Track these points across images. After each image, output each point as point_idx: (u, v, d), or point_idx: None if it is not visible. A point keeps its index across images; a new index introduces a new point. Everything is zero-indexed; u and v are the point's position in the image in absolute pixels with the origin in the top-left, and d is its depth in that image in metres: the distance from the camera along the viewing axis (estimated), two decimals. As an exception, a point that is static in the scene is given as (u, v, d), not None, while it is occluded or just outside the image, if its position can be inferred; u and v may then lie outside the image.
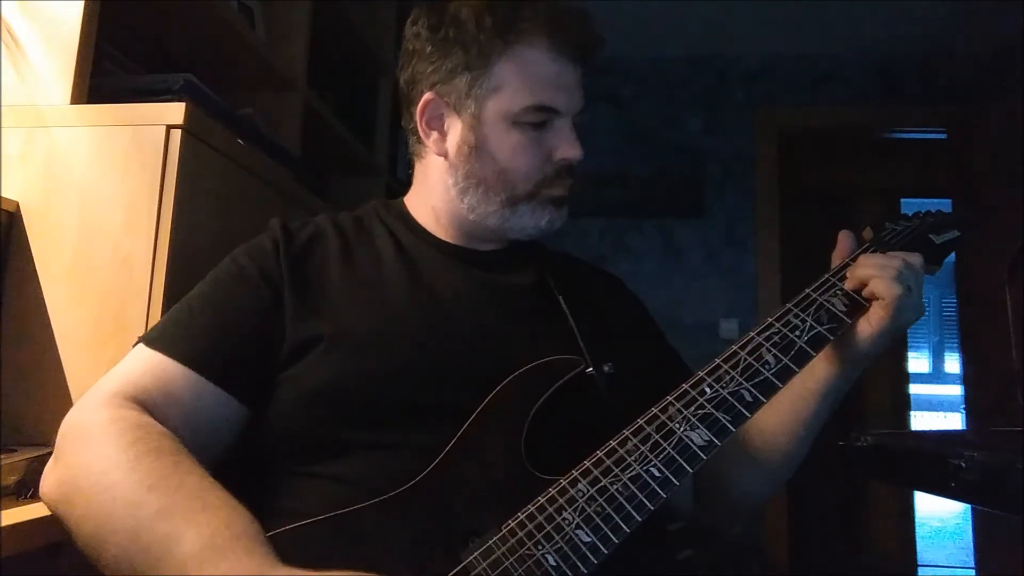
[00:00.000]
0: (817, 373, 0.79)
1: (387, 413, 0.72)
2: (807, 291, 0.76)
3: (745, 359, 0.71)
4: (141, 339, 0.74)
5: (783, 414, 0.81)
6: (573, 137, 0.83)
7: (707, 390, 0.69)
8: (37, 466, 0.76)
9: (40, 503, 0.70)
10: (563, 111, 0.82)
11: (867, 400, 3.52)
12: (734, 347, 0.72)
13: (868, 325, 0.75)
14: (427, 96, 0.84)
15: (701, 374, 0.71)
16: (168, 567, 0.55)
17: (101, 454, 0.63)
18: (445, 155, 0.85)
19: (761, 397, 0.68)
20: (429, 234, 0.88)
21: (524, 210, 0.83)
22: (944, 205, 2.93)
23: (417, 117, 0.86)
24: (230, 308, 0.76)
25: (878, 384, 3.58)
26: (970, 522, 3.17)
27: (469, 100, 0.82)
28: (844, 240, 0.83)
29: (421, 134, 0.86)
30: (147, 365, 0.72)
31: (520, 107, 0.80)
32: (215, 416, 0.72)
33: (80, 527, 0.61)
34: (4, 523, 0.63)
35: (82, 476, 0.62)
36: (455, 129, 0.84)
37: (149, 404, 0.68)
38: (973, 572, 3.32)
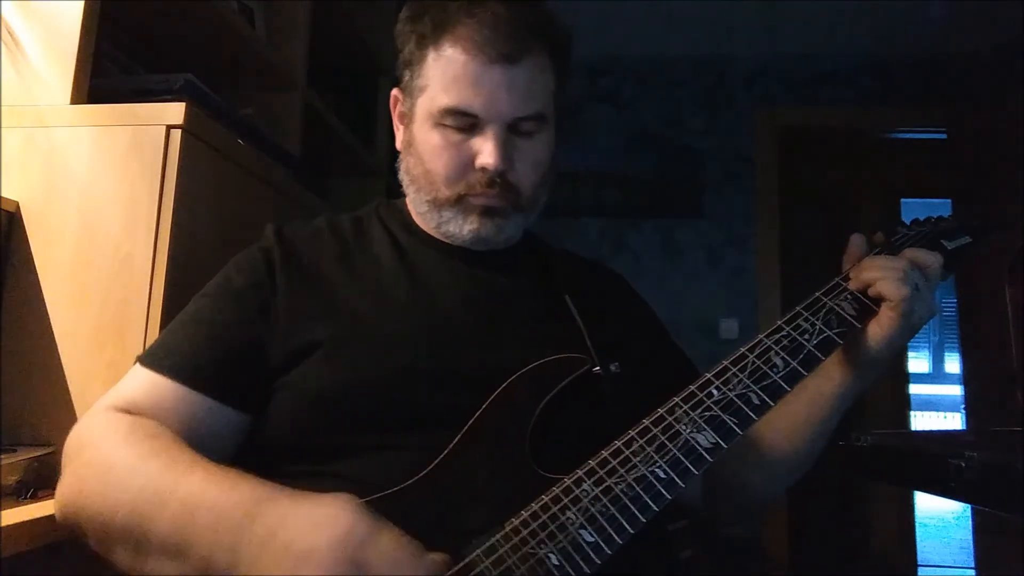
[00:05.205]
0: (833, 377, 0.78)
1: (389, 416, 0.72)
2: (817, 294, 0.76)
3: (753, 362, 0.70)
4: (138, 358, 0.76)
5: (797, 417, 0.80)
6: (491, 145, 0.77)
7: (714, 392, 0.68)
8: (37, 466, 0.76)
9: (40, 503, 0.71)
10: (482, 116, 0.77)
11: (867, 400, 3.52)
12: (742, 349, 0.72)
13: (879, 328, 0.73)
14: (393, 92, 0.87)
15: (709, 376, 0.70)
16: (175, 502, 0.59)
17: (100, 448, 0.66)
18: (400, 151, 0.87)
19: (768, 400, 0.68)
20: (428, 235, 0.87)
21: (449, 215, 0.82)
22: (944, 205, 2.95)
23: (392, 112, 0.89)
24: (219, 322, 0.76)
25: (878, 384, 3.56)
26: (970, 522, 3.16)
27: (408, 98, 0.83)
28: (855, 243, 0.81)
29: (394, 130, 0.89)
30: (140, 382, 0.73)
31: (437, 108, 0.78)
32: (211, 426, 0.73)
33: (90, 510, 0.63)
34: (4, 523, 0.64)
35: (86, 471, 0.66)
36: (404, 126, 0.86)
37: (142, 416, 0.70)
38: (973, 572, 3.32)
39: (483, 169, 0.78)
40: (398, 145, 0.87)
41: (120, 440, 0.66)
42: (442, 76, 0.78)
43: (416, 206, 0.86)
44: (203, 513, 0.58)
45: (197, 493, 0.59)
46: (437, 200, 0.82)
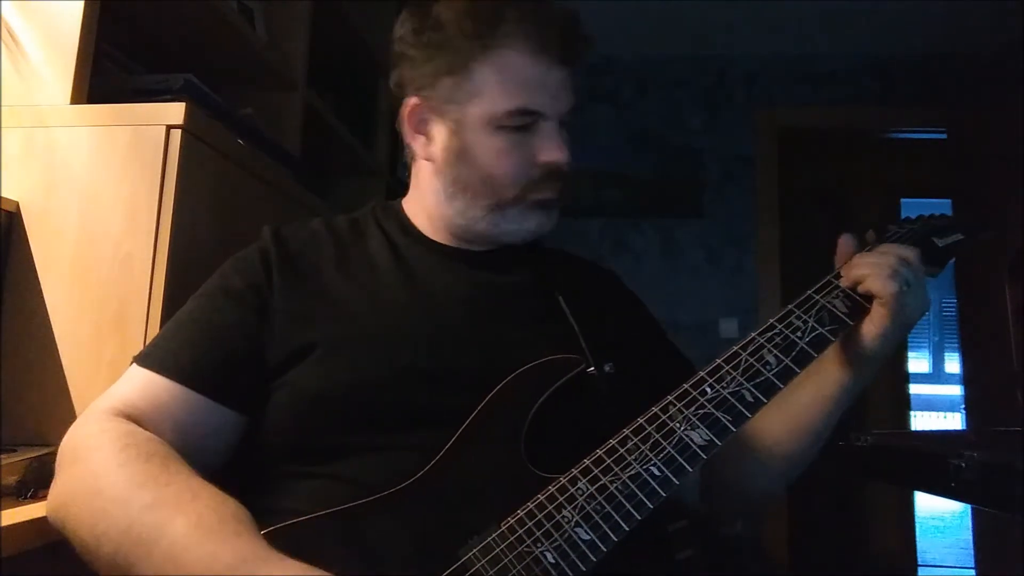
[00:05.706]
0: (831, 376, 0.79)
1: (386, 417, 0.72)
2: (809, 292, 0.76)
3: (746, 360, 0.71)
4: (135, 358, 0.75)
5: (798, 416, 0.81)
6: (558, 140, 0.80)
7: (708, 390, 0.69)
8: (37, 466, 0.76)
9: (40, 503, 0.71)
10: (547, 113, 0.80)
11: (867, 400, 3.52)
12: (735, 348, 0.72)
13: (872, 325, 0.74)
14: (413, 101, 0.85)
15: (702, 374, 0.71)
16: (159, 553, 0.56)
17: (92, 461, 0.64)
18: (432, 160, 0.85)
19: (762, 397, 0.68)
20: (425, 236, 0.88)
21: (511, 215, 0.82)
22: (944, 205, 2.95)
23: (404, 121, 0.86)
24: (216, 322, 0.76)
25: (878, 384, 3.57)
26: (970, 522, 3.16)
27: (452, 105, 0.81)
28: (844, 244, 0.82)
29: (408, 138, 0.87)
30: (137, 382, 0.73)
31: (502, 111, 0.79)
32: (207, 425, 0.73)
33: (77, 533, 0.62)
34: (4, 523, 0.63)
35: (76, 486, 0.64)
36: (440, 134, 0.83)
37: (139, 418, 0.70)
38: (973, 572, 3.32)
39: (547, 164, 0.81)
40: (423, 155, 0.85)
41: (111, 459, 0.63)
42: (503, 80, 0.79)
43: (465, 212, 0.83)
44: (186, 570, 0.56)
45: (181, 547, 0.56)
46: (500, 202, 0.82)
